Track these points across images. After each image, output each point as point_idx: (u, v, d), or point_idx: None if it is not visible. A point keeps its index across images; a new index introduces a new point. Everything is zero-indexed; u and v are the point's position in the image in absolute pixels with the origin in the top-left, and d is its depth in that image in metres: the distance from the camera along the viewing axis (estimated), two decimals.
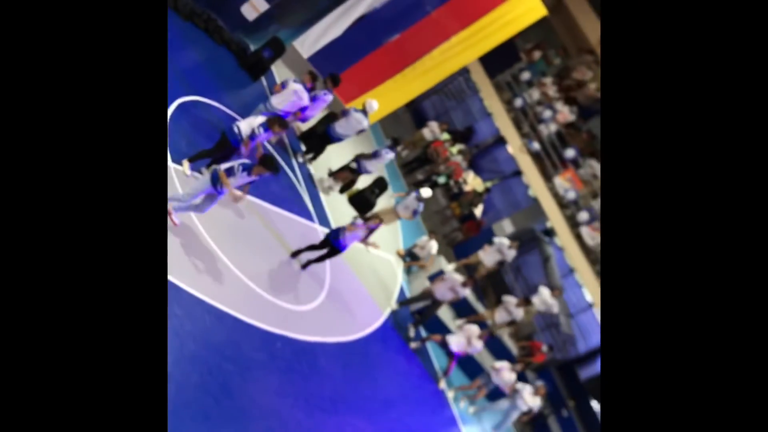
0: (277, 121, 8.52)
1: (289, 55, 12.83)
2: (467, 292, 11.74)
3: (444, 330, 12.11)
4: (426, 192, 12.86)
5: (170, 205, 7.40)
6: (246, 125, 8.39)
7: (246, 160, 7.54)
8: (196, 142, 8.78)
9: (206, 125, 9.46)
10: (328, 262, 10.20)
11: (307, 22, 12.85)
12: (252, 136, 8.33)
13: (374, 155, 12.45)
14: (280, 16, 12.24)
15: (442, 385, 11.53)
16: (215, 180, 7.29)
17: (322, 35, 13.38)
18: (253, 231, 9.13)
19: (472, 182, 18.55)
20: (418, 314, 12.06)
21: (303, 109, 10.29)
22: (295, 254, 9.55)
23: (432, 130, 18.01)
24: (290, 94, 9.93)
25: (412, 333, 11.63)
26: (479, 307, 13.97)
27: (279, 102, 9.91)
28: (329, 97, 11.07)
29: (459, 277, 11.66)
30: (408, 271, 13.48)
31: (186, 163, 8.26)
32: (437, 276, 12.36)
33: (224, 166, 7.38)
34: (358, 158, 12.45)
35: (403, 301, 11.96)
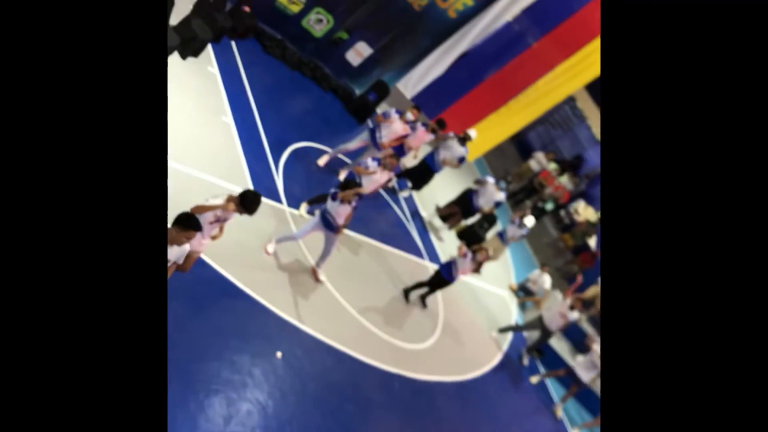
0: (387, 156, 8.71)
1: (394, 97, 13.07)
2: (576, 315, 11.20)
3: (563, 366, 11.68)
4: (529, 221, 12.65)
5: (313, 262, 7.96)
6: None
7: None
8: (309, 187, 9.05)
9: (319, 170, 9.75)
10: (441, 300, 10.16)
11: (409, 63, 13.10)
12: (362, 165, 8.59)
13: (479, 182, 12.35)
14: (383, 59, 12.56)
15: (560, 413, 11.10)
16: (325, 219, 7.53)
17: (424, 75, 13.56)
18: (365, 270, 9.24)
19: (584, 212, 18.01)
20: (535, 351, 11.73)
21: (385, 115, 10.17)
22: (407, 294, 9.58)
23: (539, 161, 17.69)
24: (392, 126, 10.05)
25: (525, 361, 11.30)
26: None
27: (386, 135, 10.02)
28: (429, 137, 11.17)
29: (567, 301, 11.24)
30: (522, 306, 13.17)
31: (304, 205, 8.56)
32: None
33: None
34: (467, 192, 12.43)
35: (505, 328, 11.56)
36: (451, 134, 11.79)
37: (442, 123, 11.46)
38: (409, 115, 10.28)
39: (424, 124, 11.27)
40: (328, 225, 7.60)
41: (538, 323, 11.22)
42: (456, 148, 11.58)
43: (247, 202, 5.64)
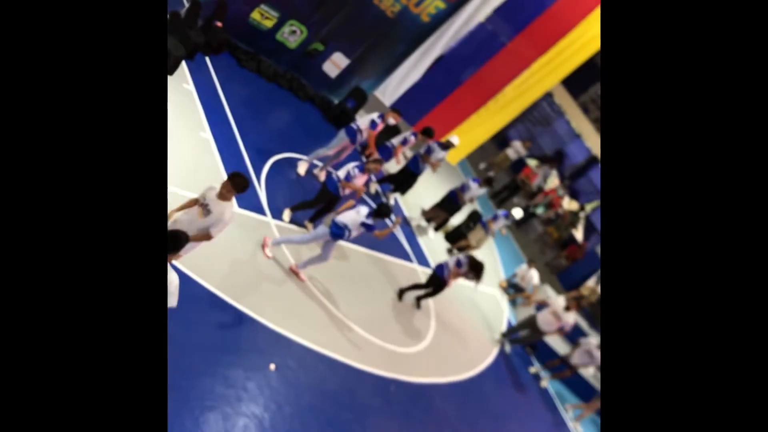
0: (371, 161, 8.74)
1: (372, 105, 13.09)
2: (572, 318, 11.12)
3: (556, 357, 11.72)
4: (517, 212, 12.77)
5: (292, 260, 7.96)
6: (342, 171, 8.59)
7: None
8: (293, 198, 9.03)
9: (301, 180, 9.73)
10: (432, 302, 10.16)
11: (386, 70, 13.13)
12: (347, 177, 8.53)
13: (463, 188, 12.45)
14: (360, 69, 12.58)
15: (544, 383, 11.21)
16: (335, 233, 7.72)
17: (402, 81, 13.59)
18: (353, 276, 9.22)
19: (568, 206, 18.12)
20: (528, 347, 11.76)
21: (373, 125, 10.15)
22: (401, 294, 9.62)
23: (516, 150, 17.83)
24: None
25: (507, 348, 11.30)
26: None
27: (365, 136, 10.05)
28: (413, 138, 11.26)
29: (561, 302, 11.20)
30: (513, 303, 13.20)
31: (287, 212, 8.57)
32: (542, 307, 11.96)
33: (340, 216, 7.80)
34: (450, 192, 12.52)
35: (508, 331, 11.56)
36: (436, 143, 11.79)
37: (430, 131, 11.52)
38: (391, 120, 10.33)
39: (414, 134, 11.33)
40: (339, 237, 7.75)
41: (530, 324, 11.14)
42: (437, 152, 11.62)
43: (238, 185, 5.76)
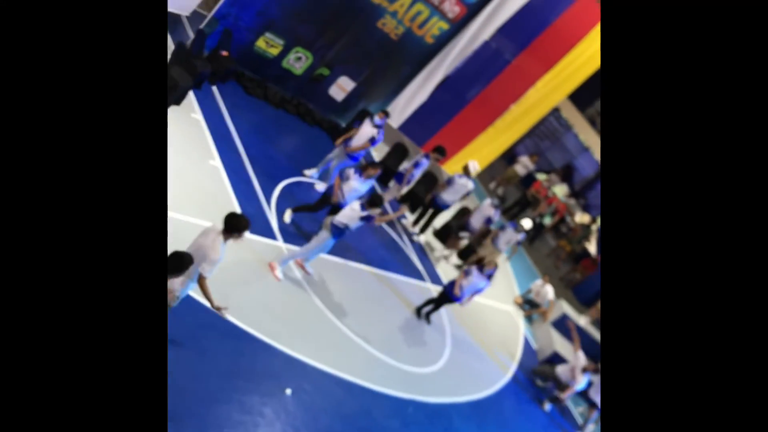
0: (368, 165, 8.97)
1: None
2: (586, 380, 10.84)
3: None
4: (526, 223, 12.71)
5: (277, 268, 7.93)
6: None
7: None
8: (303, 221, 9.07)
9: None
10: (447, 321, 10.13)
11: (392, 92, 13.19)
12: (342, 175, 8.83)
13: (474, 208, 12.49)
14: (366, 92, 12.67)
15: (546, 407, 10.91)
16: (336, 231, 7.94)
17: (408, 102, 13.63)
18: (367, 297, 9.22)
19: (580, 219, 18.04)
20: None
21: (372, 141, 10.37)
22: (418, 312, 9.74)
23: (524, 165, 17.81)
24: (361, 131, 10.23)
25: (547, 407, 10.89)
26: None
27: (355, 143, 10.17)
28: (426, 161, 11.37)
29: (582, 361, 10.81)
30: (529, 319, 13.11)
31: (289, 212, 8.88)
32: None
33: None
34: (461, 214, 12.53)
35: (537, 373, 11.26)
36: (457, 176, 11.85)
37: (442, 150, 11.58)
38: (377, 119, 10.39)
39: (426, 155, 11.45)
40: (341, 235, 8.08)
41: (552, 374, 10.99)
42: (460, 186, 11.68)
43: (232, 226, 5.56)
